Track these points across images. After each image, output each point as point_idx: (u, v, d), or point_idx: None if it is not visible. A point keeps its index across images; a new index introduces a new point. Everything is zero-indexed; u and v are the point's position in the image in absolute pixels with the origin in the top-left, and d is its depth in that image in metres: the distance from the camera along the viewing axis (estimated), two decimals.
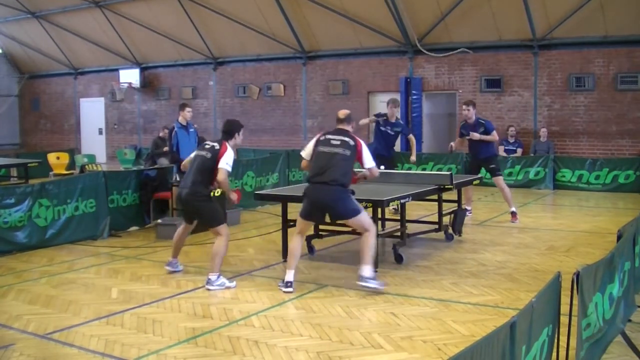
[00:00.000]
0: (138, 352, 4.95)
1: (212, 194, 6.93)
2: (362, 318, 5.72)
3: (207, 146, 7.07)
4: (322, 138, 6.75)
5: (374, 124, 11.58)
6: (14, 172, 16.07)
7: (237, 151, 18.92)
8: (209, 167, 6.90)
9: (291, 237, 6.90)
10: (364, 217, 6.59)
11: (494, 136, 10.49)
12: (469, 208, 10.66)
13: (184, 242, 7.57)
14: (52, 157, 17.03)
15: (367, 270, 6.49)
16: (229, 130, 7.16)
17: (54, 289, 6.85)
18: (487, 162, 10.46)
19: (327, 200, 6.50)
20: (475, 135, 10.27)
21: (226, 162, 6.87)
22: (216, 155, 6.88)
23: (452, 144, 10.93)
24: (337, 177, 6.45)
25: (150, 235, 9.83)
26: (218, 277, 6.78)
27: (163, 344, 5.13)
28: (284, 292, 6.52)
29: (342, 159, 6.54)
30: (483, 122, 10.51)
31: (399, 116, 11.98)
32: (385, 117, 11.16)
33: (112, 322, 5.69)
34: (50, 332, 5.42)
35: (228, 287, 6.75)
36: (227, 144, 7.01)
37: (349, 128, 6.84)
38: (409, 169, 15.36)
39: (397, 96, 17.92)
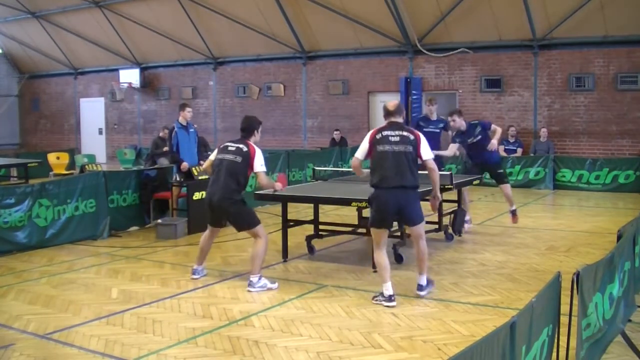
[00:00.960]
0: (138, 352, 4.95)
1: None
2: (362, 318, 5.72)
3: (231, 148, 6.79)
4: (378, 136, 6.22)
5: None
6: (14, 172, 16.08)
7: None
8: (241, 171, 6.72)
9: (376, 252, 6.31)
10: (423, 224, 6.42)
11: (496, 130, 9.72)
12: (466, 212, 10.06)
13: (210, 248, 7.32)
14: (52, 157, 17.05)
15: (424, 279, 6.38)
16: (249, 127, 6.94)
17: (54, 289, 6.85)
18: (494, 168, 9.87)
19: (403, 202, 6.11)
20: (494, 144, 9.49)
21: (260, 164, 6.75)
22: (248, 159, 6.70)
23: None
24: (410, 179, 6.10)
25: (150, 235, 9.83)
26: (259, 278, 6.68)
27: (163, 344, 5.12)
28: (387, 306, 6.03)
29: (410, 157, 6.12)
30: (476, 122, 9.90)
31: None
32: (425, 117, 10.76)
33: (112, 322, 5.69)
34: (50, 332, 5.42)
35: (270, 289, 6.64)
36: (252, 143, 6.83)
37: (401, 120, 6.36)
38: None
39: (397, 96, 17.93)
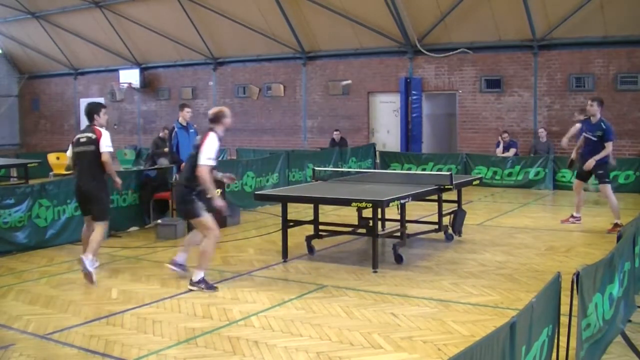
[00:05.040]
0: (138, 352, 4.95)
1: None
2: (362, 318, 5.72)
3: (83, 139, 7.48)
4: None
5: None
6: (14, 172, 16.06)
7: (237, 152, 18.99)
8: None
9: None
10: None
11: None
12: (577, 215, 10.14)
13: None
14: (52, 158, 17.04)
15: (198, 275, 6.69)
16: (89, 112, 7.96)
17: (54, 289, 6.86)
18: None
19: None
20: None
21: (107, 144, 7.83)
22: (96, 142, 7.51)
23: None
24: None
25: (150, 236, 9.83)
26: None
27: (163, 344, 5.13)
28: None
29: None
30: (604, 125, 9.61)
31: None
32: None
33: (112, 322, 5.69)
34: (50, 332, 5.42)
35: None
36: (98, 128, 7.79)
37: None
38: (409, 169, 15.37)
39: (397, 97, 17.95)
